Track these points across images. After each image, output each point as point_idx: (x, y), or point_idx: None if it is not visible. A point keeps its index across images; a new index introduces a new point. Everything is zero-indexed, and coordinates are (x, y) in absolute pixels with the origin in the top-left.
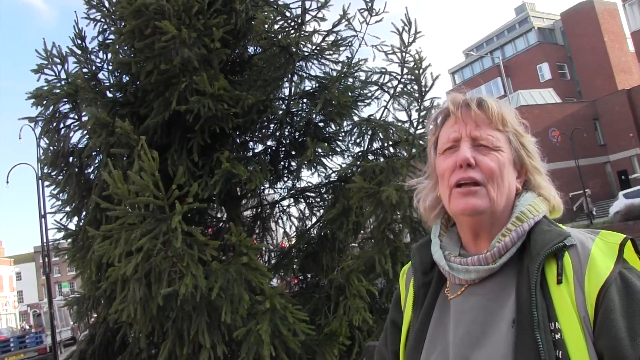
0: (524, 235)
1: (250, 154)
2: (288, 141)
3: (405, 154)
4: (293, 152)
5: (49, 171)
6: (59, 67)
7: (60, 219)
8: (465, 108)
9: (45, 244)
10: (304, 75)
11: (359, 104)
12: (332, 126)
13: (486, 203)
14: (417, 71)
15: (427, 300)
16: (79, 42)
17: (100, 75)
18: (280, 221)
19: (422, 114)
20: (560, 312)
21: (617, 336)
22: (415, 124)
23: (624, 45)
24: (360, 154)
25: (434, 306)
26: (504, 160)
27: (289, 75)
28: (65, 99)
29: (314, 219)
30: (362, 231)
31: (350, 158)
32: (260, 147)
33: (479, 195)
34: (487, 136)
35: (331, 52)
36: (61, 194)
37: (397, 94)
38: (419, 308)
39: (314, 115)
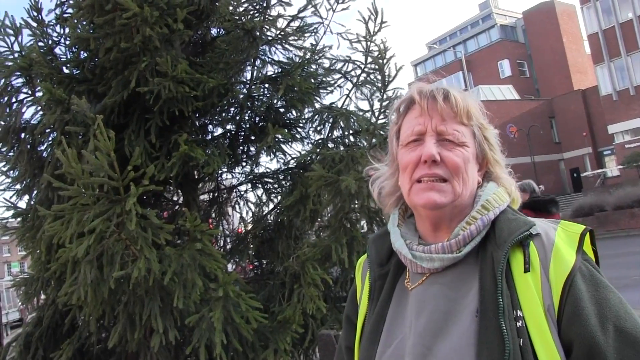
0: (489, 224)
1: (209, 137)
2: (248, 126)
3: (365, 144)
4: (252, 137)
5: (0, 147)
6: (12, 38)
7: (10, 197)
8: (431, 100)
9: None
10: (267, 59)
11: (321, 91)
12: (293, 112)
13: (450, 198)
14: (381, 61)
15: (384, 293)
16: (35, 14)
17: (57, 50)
18: (237, 206)
19: (384, 104)
20: (524, 300)
21: (588, 323)
22: (377, 114)
23: (580, 47)
24: (320, 141)
25: (391, 298)
26: (468, 155)
27: (252, 59)
28: (19, 72)
29: (271, 206)
30: (318, 219)
31: (310, 145)
32: (219, 131)
33: (442, 191)
34: (452, 131)
35: (295, 38)
36: (11, 171)
37: (360, 83)
38: (375, 301)
39: (275, 101)
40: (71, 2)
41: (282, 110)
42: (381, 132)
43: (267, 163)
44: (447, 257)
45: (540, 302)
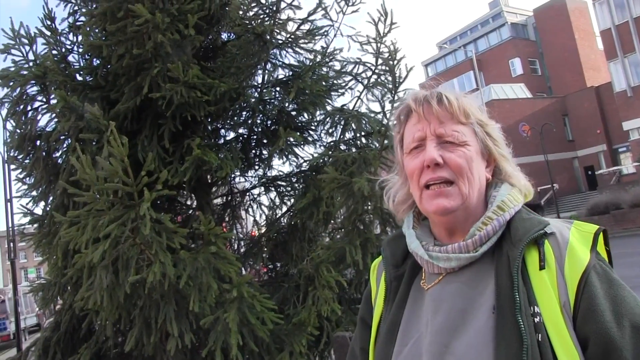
0: (504, 224)
1: (222, 141)
2: (260, 129)
3: (377, 145)
4: (265, 141)
5: (16, 154)
6: (27, 48)
7: (27, 204)
8: (426, 105)
9: (10, 229)
10: (278, 63)
11: (332, 93)
12: (305, 115)
13: (458, 201)
14: (391, 62)
15: (400, 293)
16: (49, 23)
17: (70, 58)
18: (250, 210)
19: (395, 105)
20: (540, 297)
21: (603, 319)
22: (388, 115)
23: (593, 43)
24: (332, 144)
25: (407, 299)
26: (471, 154)
27: (263, 63)
28: (33, 81)
29: (285, 208)
30: (332, 221)
31: (322, 148)
32: (231, 135)
33: (450, 195)
34: (452, 132)
35: (306, 41)
36: (28, 178)
37: (370, 85)
38: (391, 302)
39: (286, 104)
40: (84, 10)
41: (293, 113)
42: (393, 134)
43: (280, 166)
44: (463, 257)
45: (556, 299)
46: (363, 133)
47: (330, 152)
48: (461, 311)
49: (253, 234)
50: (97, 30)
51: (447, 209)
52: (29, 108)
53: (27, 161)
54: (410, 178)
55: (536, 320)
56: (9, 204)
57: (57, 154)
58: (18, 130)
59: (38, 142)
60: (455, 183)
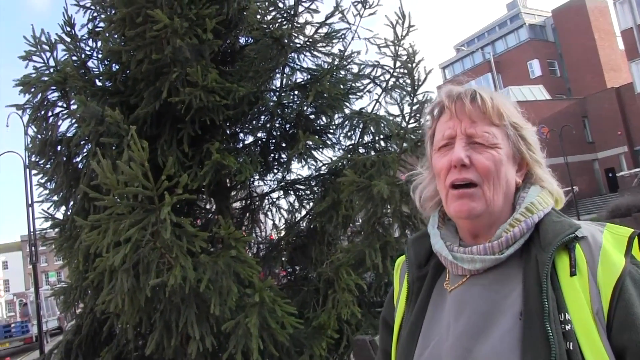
0: (533, 226)
1: (241, 145)
2: (279, 133)
3: (396, 148)
4: (283, 144)
5: (37, 159)
6: (48, 54)
7: (48, 208)
8: (459, 103)
9: (32, 233)
10: (296, 67)
11: (350, 96)
12: (323, 119)
13: (482, 205)
14: (410, 65)
15: (422, 294)
16: (68, 29)
17: (90, 64)
18: (269, 213)
19: (414, 108)
20: (571, 304)
21: None
22: (407, 118)
23: (613, 44)
24: (351, 147)
25: (429, 300)
26: (500, 157)
27: (281, 67)
28: (54, 87)
29: (304, 212)
30: (351, 224)
31: (341, 151)
32: (250, 139)
33: (474, 198)
34: (482, 133)
35: (324, 44)
36: (49, 183)
37: (389, 88)
38: (413, 302)
39: (305, 108)
40: (103, 16)
41: (312, 116)
42: (412, 137)
43: (299, 170)
44: (488, 259)
45: (588, 307)
46: (382, 136)
47: (349, 156)
48: (485, 315)
49: (272, 237)
50: (116, 36)
51: (470, 212)
52: (49, 114)
53: (48, 166)
54: (437, 176)
55: (566, 328)
56: (30, 208)
57: (78, 159)
58: (39, 136)
59: (59, 147)
60: (480, 186)
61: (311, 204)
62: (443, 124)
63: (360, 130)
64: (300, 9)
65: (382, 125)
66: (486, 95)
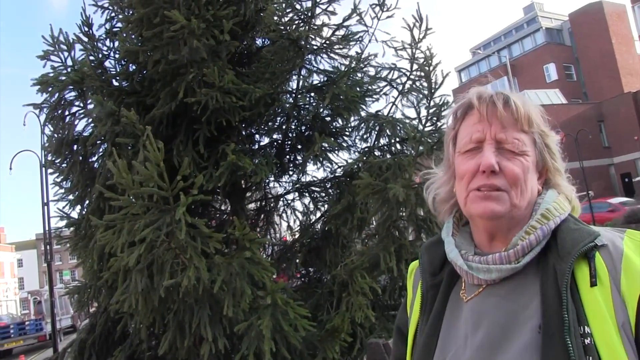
0: (549, 233)
1: (256, 146)
2: (294, 135)
3: (412, 151)
4: (299, 146)
5: (53, 159)
6: (66, 54)
7: (63, 207)
8: (491, 106)
9: (47, 232)
10: (313, 69)
11: (367, 99)
12: (339, 121)
13: (506, 208)
14: (427, 68)
15: (437, 304)
16: (86, 29)
17: (107, 64)
18: (284, 215)
19: (431, 111)
20: (592, 316)
21: None
22: (423, 121)
23: (631, 48)
24: (366, 149)
25: (445, 310)
26: (528, 164)
27: (297, 69)
28: (71, 87)
29: (318, 214)
30: (366, 227)
31: (356, 154)
32: (266, 140)
33: (499, 200)
34: (513, 140)
35: (341, 47)
36: (64, 182)
37: (406, 91)
38: (428, 312)
39: (321, 110)
40: (120, 16)
41: (328, 118)
42: (428, 140)
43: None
44: (504, 268)
45: (611, 319)
46: (398, 139)
47: (364, 158)
48: (503, 327)
49: (284, 238)
50: (133, 36)
51: (495, 213)
52: (66, 113)
53: (64, 165)
54: (459, 179)
55: (587, 341)
56: (45, 207)
57: (94, 159)
58: (56, 135)
59: (75, 147)
60: (507, 192)
61: (326, 206)
62: (470, 126)
63: (376, 132)
64: (318, 10)
65: (398, 128)
66: (518, 101)
